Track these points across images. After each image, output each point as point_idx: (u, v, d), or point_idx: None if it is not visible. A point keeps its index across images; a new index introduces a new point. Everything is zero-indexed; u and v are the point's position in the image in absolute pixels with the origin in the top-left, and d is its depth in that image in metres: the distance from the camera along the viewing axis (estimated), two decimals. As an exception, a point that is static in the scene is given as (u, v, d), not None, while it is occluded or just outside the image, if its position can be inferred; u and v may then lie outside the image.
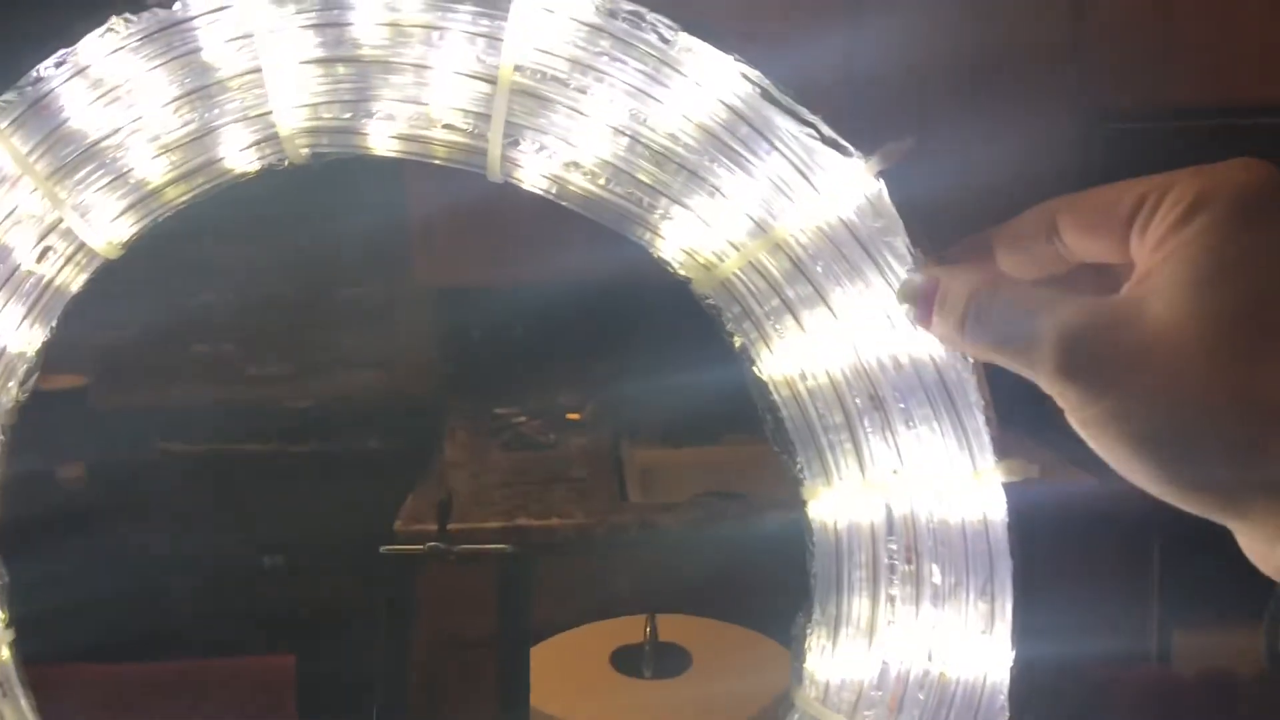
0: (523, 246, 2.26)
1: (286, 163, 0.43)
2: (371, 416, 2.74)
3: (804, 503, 0.43)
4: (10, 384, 0.44)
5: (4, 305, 0.44)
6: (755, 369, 0.42)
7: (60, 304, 0.44)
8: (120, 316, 2.88)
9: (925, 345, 0.40)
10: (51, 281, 0.44)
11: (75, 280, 0.44)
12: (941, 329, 0.37)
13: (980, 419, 0.40)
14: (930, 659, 0.41)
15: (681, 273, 0.42)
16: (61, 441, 2.69)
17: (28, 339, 0.44)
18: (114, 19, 0.41)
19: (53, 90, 0.42)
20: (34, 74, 0.42)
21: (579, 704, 0.65)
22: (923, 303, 0.37)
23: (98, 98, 0.42)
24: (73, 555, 2.36)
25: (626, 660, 0.72)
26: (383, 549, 0.51)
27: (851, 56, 1.82)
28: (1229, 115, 2.05)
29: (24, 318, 0.44)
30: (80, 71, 0.42)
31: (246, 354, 2.91)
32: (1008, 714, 0.41)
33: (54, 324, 0.44)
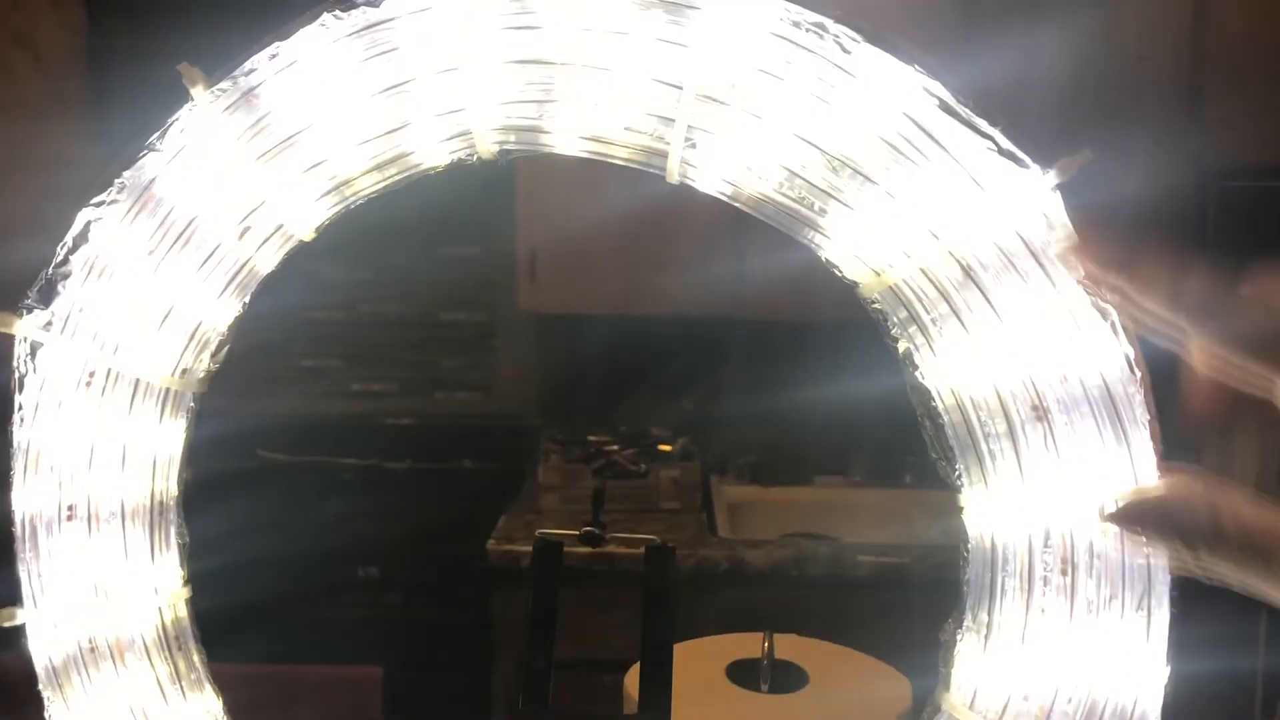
0: (625, 277, 2.29)
1: (476, 158, 0.45)
2: (468, 437, 2.78)
3: (960, 509, 0.44)
4: (204, 354, 0.47)
5: (206, 279, 0.46)
6: (918, 375, 0.43)
7: (254, 282, 0.47)
8: (237, 329, 2.95)
9: (1093, 358, 0.40)
10: (249, 260, 0.47)
11: (271, 259, 0.47)
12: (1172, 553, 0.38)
13: (1145, 434, 0.40)
14: (1081, 672, 0.42)
15: (849, 277, 0.43)
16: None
17: (223, 313, 0.47)
18: (325, 15, 0.44)
19: (265, 80, 0.45)
20: (248, 64, 0.45)
21: (695, 713, 0.66)
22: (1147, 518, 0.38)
23: (305, 88, 0.45)
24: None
25: (743, 674, 0.72)
26: (539, 532, 0.53)
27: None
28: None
29: (222, 292, 0.47)
30: (291, 64, 0.45)
31: (351, 370, 2.98)
32: (1160, 728, 0.41)
33: (247, 300, 0.47)
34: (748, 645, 0.75)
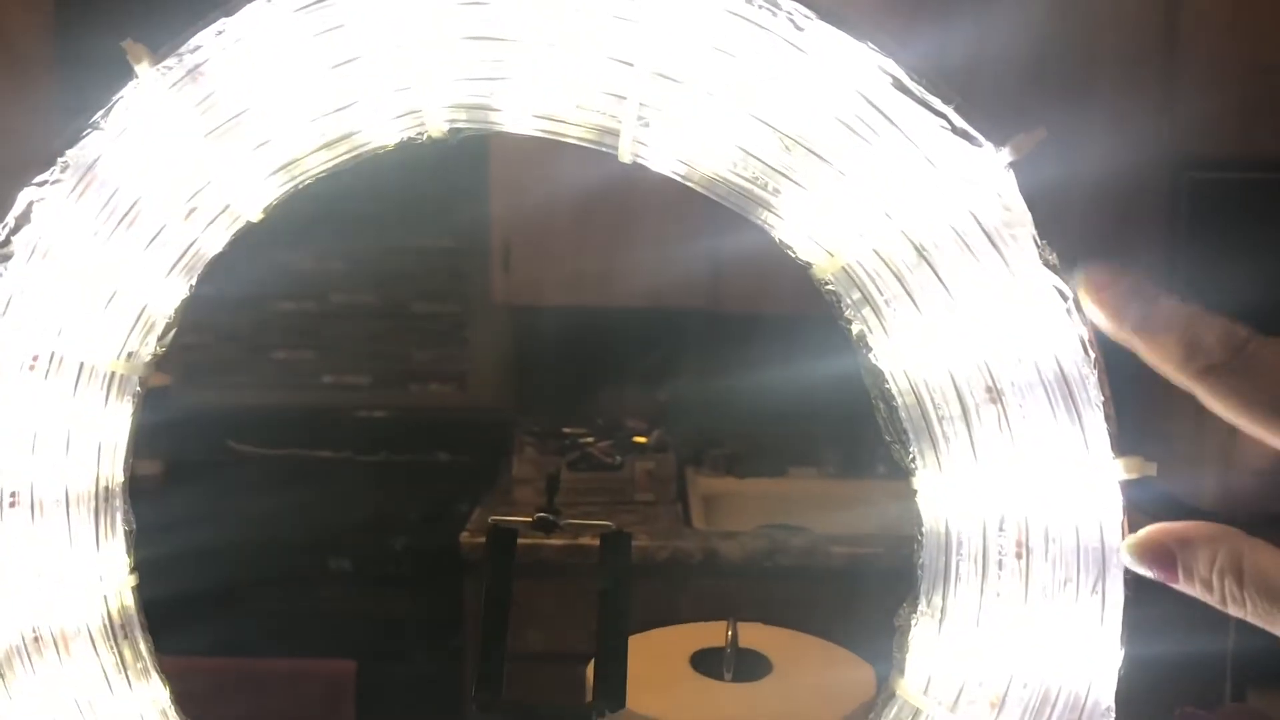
0: (600, 269, 2.28)
1: (426, 137, 0.45)
2: (442, 430, 2.77)
3: (914, 493, 0.43)
4: (150, 337, 0.46)
5: (152, 260, 0.46)
6: (871, 356, 0.43)
7: (201, 264, 0.46)
8: (203, 319, 2.95)
9: (1047, 339, 0.40)
10: (196, 241, 0.46)
11: (219, 240, 0.46)
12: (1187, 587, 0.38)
13: (1100, 416, 0.40)
14: (1036, 656, 0.41)
15: (802, 258, 0.43)
16: (141, 438, 2.73)
17: (169, 295, 0.46)
18: (273, -10, 0.43)
19: (211, 57, 0.44)
20: (194, 41, 0.44)
21: (658, 701, 0.65)
22: (1159, 561, 0.38)
23: (252, 65, 0.44)
24: (146, 548, 2.39)
25: (707, 662, 0.72)
26: (492, 519, 0.52)
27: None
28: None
29: (168, 273, 0.46)
30: (238, 40, 0.44)
31: (323, 362, 2.96)
32: (1113, 715, 0.40)
33: (193, 283, 0.46)
34: (712, 634, 0.75)
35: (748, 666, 0.71)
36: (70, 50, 2.48)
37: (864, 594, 1.94)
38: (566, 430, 2.53)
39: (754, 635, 0.75)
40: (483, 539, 1.85)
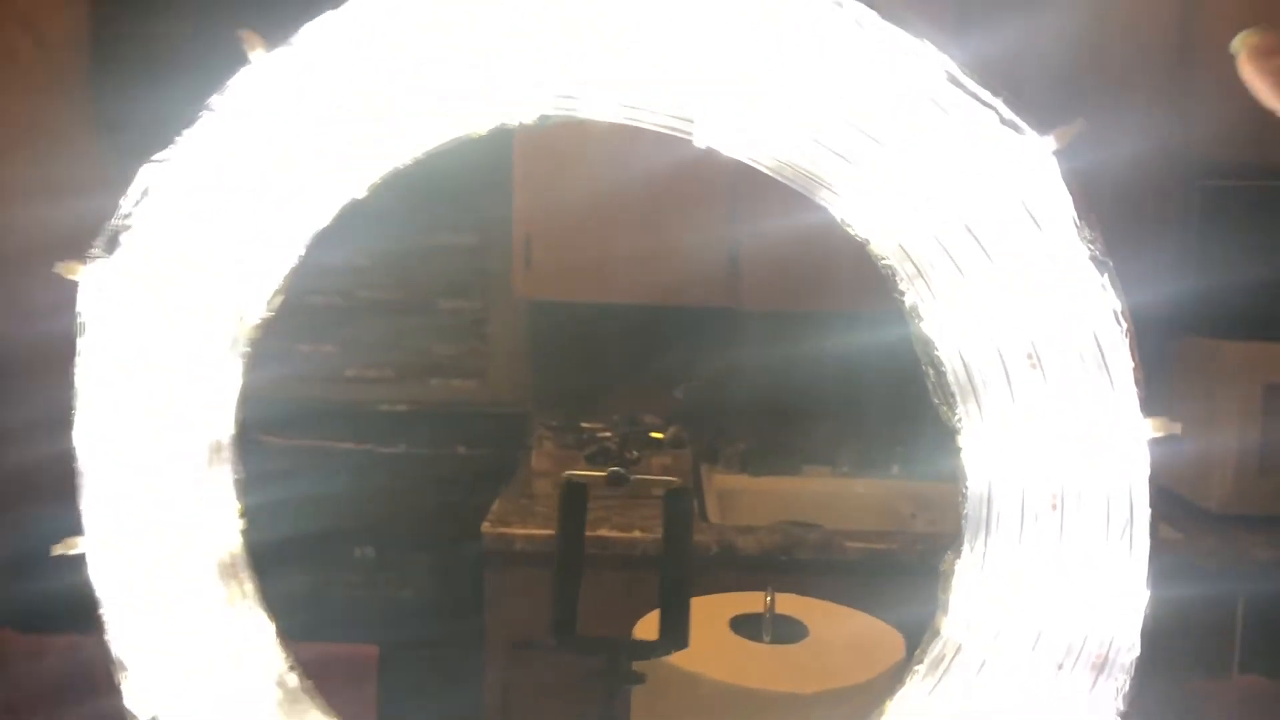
0: (620, 265, 2.32)
1: (518, 124, 0.49)
2: (462, 423, 2.82)
3: (959, 450, 0.47)
4: (258, 301, 0.51)
5: (261, 230, 0.50)
6: (922, 326, 0.47)
7: (308, 235, 0.51)
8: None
9: (1083, 310, 0.44)
10: (303, 214, 0.50)
11: (325, 214, 0.50)
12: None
13: (1130, 380, 0.44)
14: (1068, 597, 0.46)
15: (861, 235, 0.47)
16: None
17: (278, 263, 0.51)
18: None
19: (318, 47, 0.48)
20: (304, 31, 0.49)
21: (703, 659, 0.70)
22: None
23: (356, 57, 0.49)
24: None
25: (746, 626, 0.76)
26: (566, 474, 0.56)
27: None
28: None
29: (277, 242, 0.50)
30: (343, 33, 0.48)
31: (347, 356, 3.01)
32: (1138, 651, 0.45)
33: (302, 252, 0.51)
34: (750, 602, 0.79)
35: (785, 631, 0.75)
36: (104, 56, 2.53)
37: (880, 588, 1.97)
38: (584, 425, 2.57)
39: (789, 604, 0.79)
40: (503, 529, 1.90)
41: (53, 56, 2.55)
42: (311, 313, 3.00)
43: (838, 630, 0.76)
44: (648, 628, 0.75)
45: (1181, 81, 2.12)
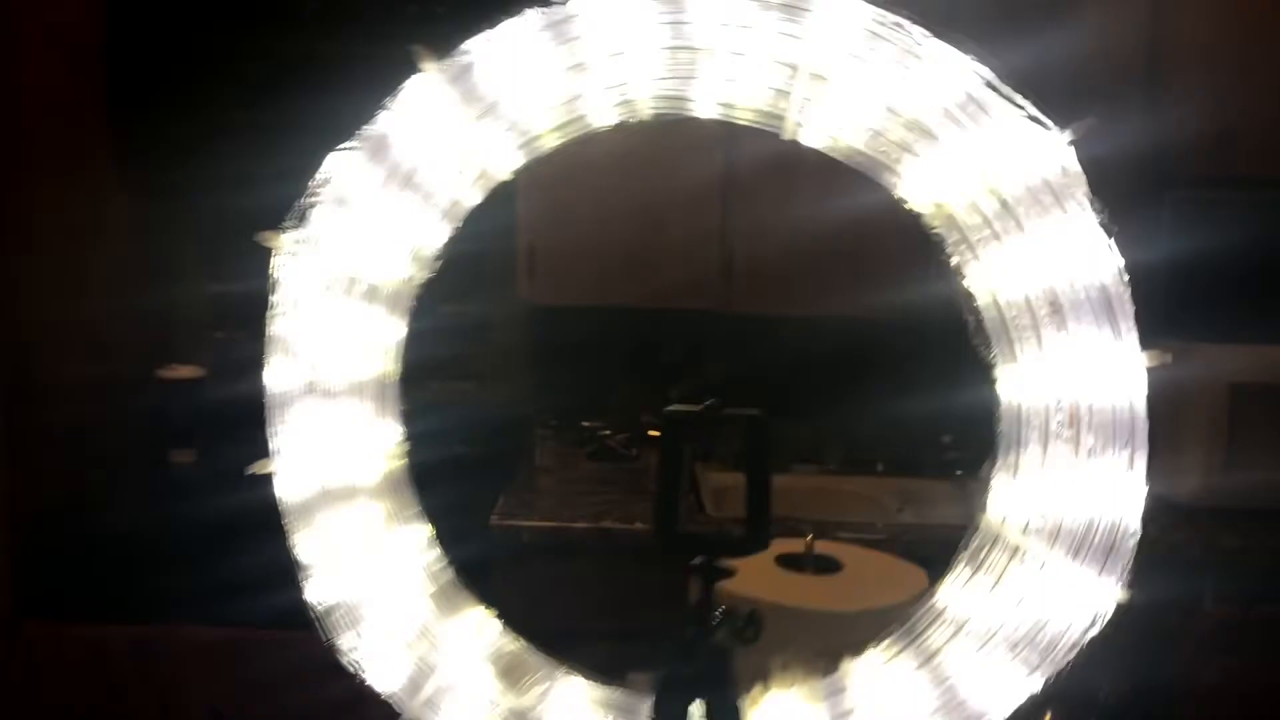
0: (618, 272, 2.42)
1: (636, 119, 0.60)
2: (464, 425, 2.89)
3: (994, 381, 0.59)
4: (421, 266, 0.62)
5: (424, 208, 0.61)
6: (965, 283, 0.59)
7: (462, 214, 0.62)
8: (232, 314, 3.08)
9: (1094, 268, 0.56)
10: (459, 196, 0.62)
11: (476, 195, 0.62)
12: None
13: (1130, 320, 0.56)
14: (1083, 496, 0.57)
15: (916, 209, 0.59)
16: (178, 426, 2.88)
17: (437, 235, 0.62)
18: (528, 10, 0.59)
19: (476, 59, 0.60)
20: (464, 47, 0.60)
21: (755, 587, 0.81)
22: None
23: (506, 66, 0.60)
24: (184, 532, 2.54)
25: (789, 563, 0.87)
26: (667, 409, 0.67)
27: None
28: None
29: (437, 218, 0.62)
30: (496, 47, 0.60)
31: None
32: (1139, 536, 0.57)
33: (459, 225, 0.62)
34: (790, 545, 0.91)
35: (824, 565, 0.87)
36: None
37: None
38: (585, 424, 2.67)
39: (825, 546, 0.90)
40: (510, 522, 2.01)
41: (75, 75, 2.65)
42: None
43: (869, 566, 0.87)
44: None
45: (1151, 95, 2.25)
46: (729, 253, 2.37)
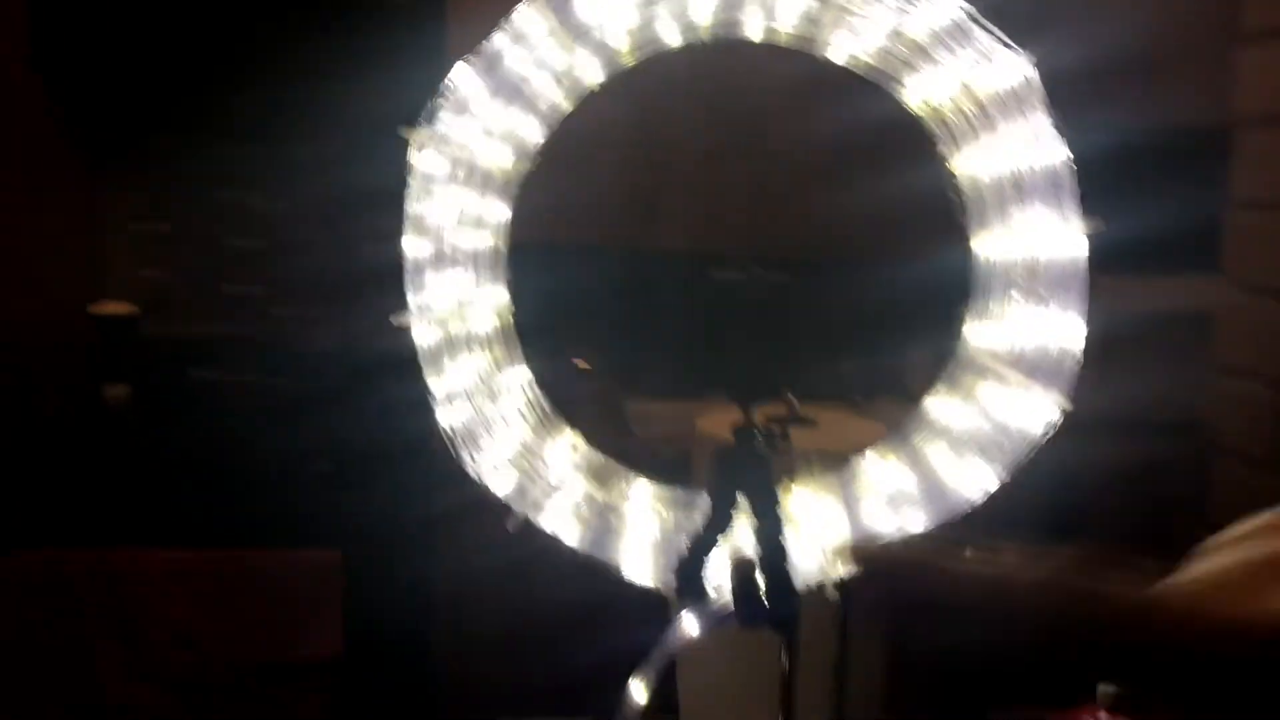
0: (547, 208, 2.57)
1: (699, 41, 0.77)
2: (393, 362, 3.00)
3: (969, 239, 0.78)
4: (525, 159, 0.78)
5: (528, 111, 0.77)
6: (948, 165, 0.78)
7: (559, 118, 0.78)
8: (163, 254, 3.12)
9: (1048, 156, 0.75)
10: (556, 102, 0.78)
11: (569, 103, 0.78)
12: None
13: (1075, 199, 0.75)
14: (1038, 331, 0.77)
15: (913, 110, 0.77)
16: (111, 363, 2.94)
17: (538, 133, 0.78)
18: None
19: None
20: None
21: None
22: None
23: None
24: (145, 458, 2.62)
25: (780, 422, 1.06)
26: (715, 275, 0.83)
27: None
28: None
29: (539, 121, 0.78)
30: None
31: (272, 296, 3.17)
32: (1080, 363, 0.76)
33: (554, 127, 0.78)
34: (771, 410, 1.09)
35: (804, 422, 1.06)
36: None
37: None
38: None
39: (804, 408, 1.09)
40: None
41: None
42: (238, 255, 3.15)
43: (840, 422, 1.07)
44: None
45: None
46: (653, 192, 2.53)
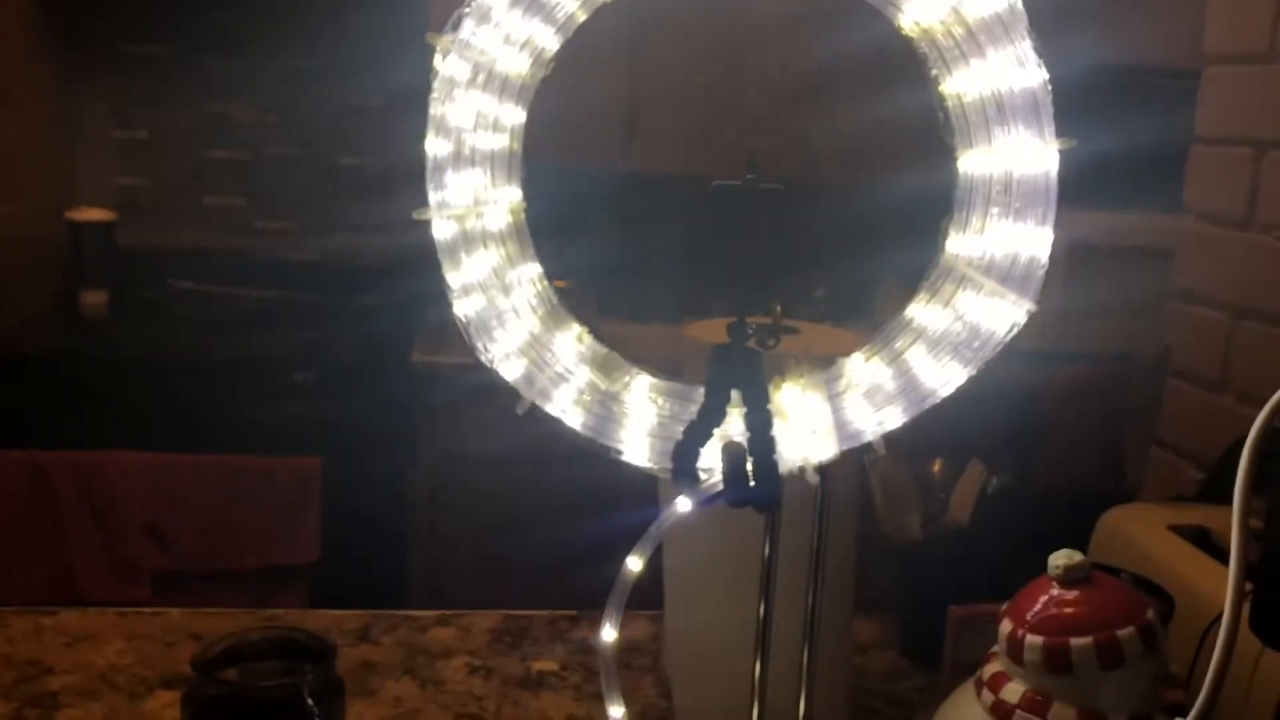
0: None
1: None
2: (370, 274, 3.05)
3: (955, 159, 0.84)
4: (541, 65, 0.83)
5: (545, 20, 0.82)
6: (940, 87, 0.83)
7: (573, 26, 0.83)
8: (142, 164, 3.13)
9: (1029, 79, 0.81)
10: (572, 12, 0.82)
11: (584, 12, 0.82)
12: None
13: (1050, 118, 0.81)
14: (1014, 239, 0.83)
15: (907, 32, 0.83)
16: (88, 269, 2.95)
17: (554, 40, 0.82)
18: None
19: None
20: (582, -104, 0.80)
21: (711, 334, 1.05)
22: None
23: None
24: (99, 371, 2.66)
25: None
26: (715, 182, 0.89)
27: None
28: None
29: (554, 30, 0.82)
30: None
31: (255, 208, 3.19)
32: (1045, 269, 0.83)
33: (569, 35, 0.82)
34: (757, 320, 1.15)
35: (790, 331, 1.12)
36: None
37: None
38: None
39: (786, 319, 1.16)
40: (429, 358, 2.24)
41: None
42: (219, 166, 3.16)
43: (817, 333, 1.13)
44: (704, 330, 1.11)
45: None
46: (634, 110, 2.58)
